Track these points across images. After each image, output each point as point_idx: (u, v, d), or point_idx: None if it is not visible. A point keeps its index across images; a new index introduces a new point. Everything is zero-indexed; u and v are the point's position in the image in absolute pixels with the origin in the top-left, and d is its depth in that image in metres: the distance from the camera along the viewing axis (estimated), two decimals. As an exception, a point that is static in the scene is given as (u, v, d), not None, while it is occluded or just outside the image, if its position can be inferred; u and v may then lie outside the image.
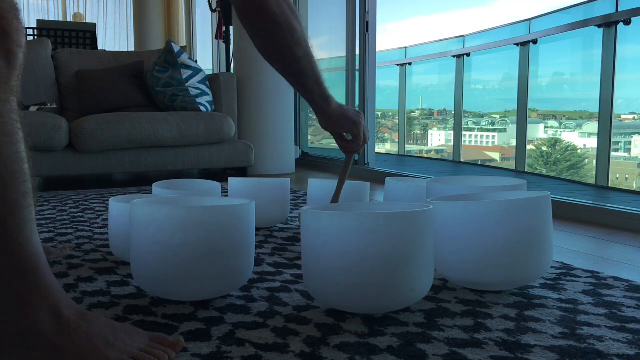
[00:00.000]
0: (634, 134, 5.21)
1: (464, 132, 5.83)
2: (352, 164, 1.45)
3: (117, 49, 8.17)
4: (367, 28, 3.66)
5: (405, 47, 6.91)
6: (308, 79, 1.21)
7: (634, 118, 5.03)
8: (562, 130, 5.75)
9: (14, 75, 0.80)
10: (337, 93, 4.47)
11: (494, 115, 6.68)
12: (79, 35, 4.37)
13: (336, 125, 1.33)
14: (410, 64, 6.51)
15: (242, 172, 3.47)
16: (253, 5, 1.10)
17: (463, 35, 6.06)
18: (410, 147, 7.05)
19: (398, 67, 6.50)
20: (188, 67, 3.53)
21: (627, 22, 3.60)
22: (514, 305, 1.14)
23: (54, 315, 0.83)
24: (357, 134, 1.33)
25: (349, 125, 1.32)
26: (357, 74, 3.80)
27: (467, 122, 6.46)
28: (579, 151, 5.56)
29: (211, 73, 4.88)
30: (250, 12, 1.12)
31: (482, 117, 6.71)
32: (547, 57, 5.01)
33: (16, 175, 0.80)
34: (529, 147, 5.05)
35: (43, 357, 0.81)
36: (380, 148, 6.94)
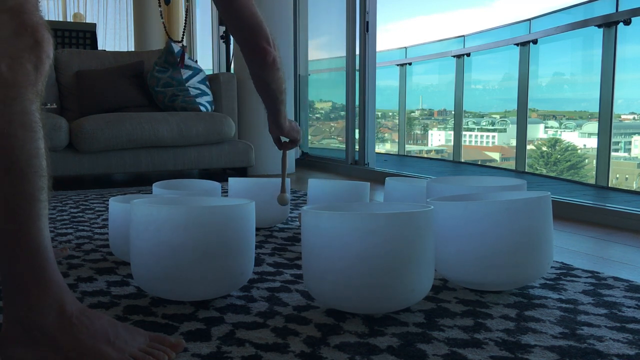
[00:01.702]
0: (634, 134, 5.21)
1: (464, 132, 5.83)
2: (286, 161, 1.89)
3: (117, 49, 8.17)
4: (367, 28, 3.66)
5: (405, 47, 6.91)
6: (281, 104, 1.58)
7: (634, 118, 5.03)
8: (562, 130, 5.74)
9: (41, 81, 0.88)
10: (338, 93, 4.47)
11: (494, 115, 6.68)
12: (79, 35, 4.37)
13: (286, 135, 1.72)
14: (410, 64, 6.51)
15: (242, 172, 3.47)
16: (266, 61, 1.42)
17: (463, 35, 6.06)
18: (410, 147, 7.04)
19: (398, 67, 6.49)
20: (188, 67, 3.53)
21: (627, 22, 3.60)
22: (514, 305, 1.14)
23: (57, 310, 0.84)
24: (297, 140, 1.77)
25: (294, 135, 1.74)
26: (357, 74, 3.79)
27: (467, 122, 6.45)
28: (579, 151, 5.56)
29: (211, 73, 4.88)
30: (260, 64, 1.44)
31: (482, 117, 6.71)
32: (547, 57, 5.01)
33: (35, 169, 0.84)
34: (529, 147, 5.05)
35: (44, 352, 0.82)
36: (380, 148, 6.93)
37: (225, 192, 2.33)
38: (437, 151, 7.10)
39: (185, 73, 3.49)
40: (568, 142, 5.66)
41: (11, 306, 0.83)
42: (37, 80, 0.87)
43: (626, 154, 5.32)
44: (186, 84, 3.47)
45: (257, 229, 1.85)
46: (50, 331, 0.82)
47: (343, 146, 4.04)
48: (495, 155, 6.71)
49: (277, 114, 1.60)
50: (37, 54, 0.86)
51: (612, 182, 3.99)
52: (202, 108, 3.45)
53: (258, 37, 1.39)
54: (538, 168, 5.59)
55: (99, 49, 4.49)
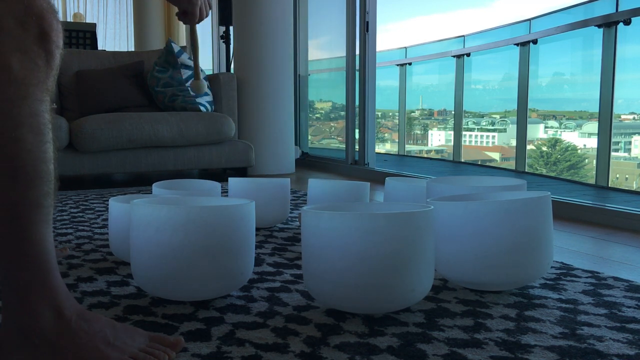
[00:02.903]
0: (634, 134, 5.21)
1: (464, 132, 5.83)
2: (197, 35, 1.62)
3: (117, 49, 8.17)
4: (367, 28, 3.66)
5: (405, 47, 6.91)
6: None
7: (634, 118, 5.03)
8: (562, 130, 5.74)
9: (51, 76, 0.82)
10: (338, 93, 4.47)
11: (494, 115, 6.68)
12: (79, 35, 4.37)
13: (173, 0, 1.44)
14: (410, 64, 6.51)
15: (242, 172, 3.47)
16: None
17: (463, 35, 6.06)
18: (410, 147, 7.04)
19: (398, 67, 6.49)
20: (188, 67, 3.53)
21: (627, 22, 3.60)
22: (514, 305, 1.14)
23: (55, 314, 0.83)
24: (192, 11, 1.44)
25: (184, 3, 1.42)
26: (357, 74, 3.80)
27: (467, 122, 6.45)
28: (579, 151, 5.56)
29: (211, 73, 4.88)
30: None
31: (482, 117, 6.71)
32: (547, 57, 5.01)
33: (42, 175, 0.81)
34: (529, 147, 5.05)
35: (43, 356, 0.81)
36: (380, 148, 6.93)
37: (225, 192, 2.33)
38: (437, 151, 7.09)
39: (185, 73, 3.49)
40: (568, 142, 5.66)
41: (9, 311, 0.82)
42: (48, 77, 0.80)
43: (626, 154, 5.32)
44: (186, 84, 3.47)
45: (257, 229, 1.85)
46: (49, 335, 0.82)
47: (343, 146, 4.04)
48: (495, 155, 6.71)
49: None
50: (47, 46, 0.79)
51: (612, 182, 3.99)
52: (202, 108, 3.45)
53: None
54: (538, 168, 5.60)
55: (99, 49, 4.49)
